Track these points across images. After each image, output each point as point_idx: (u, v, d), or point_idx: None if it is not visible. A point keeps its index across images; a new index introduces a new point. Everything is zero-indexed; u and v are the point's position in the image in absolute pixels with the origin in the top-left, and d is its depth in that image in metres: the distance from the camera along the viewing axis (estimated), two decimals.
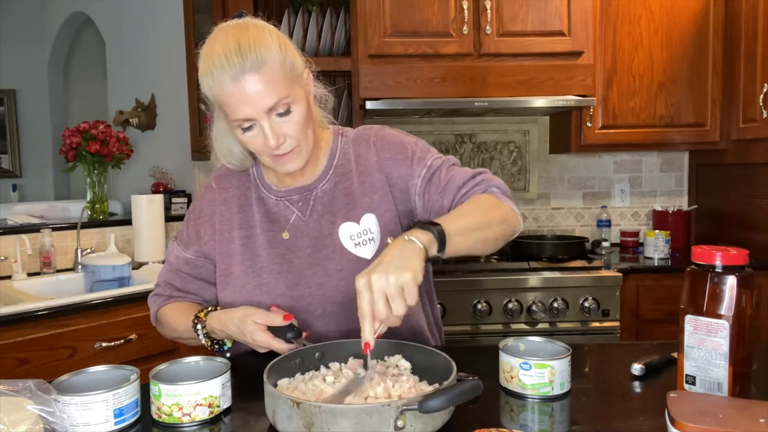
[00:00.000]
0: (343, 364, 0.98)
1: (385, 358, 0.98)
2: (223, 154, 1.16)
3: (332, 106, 1.18)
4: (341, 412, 0.75)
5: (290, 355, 0.94)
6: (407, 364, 0.96)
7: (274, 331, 1.03)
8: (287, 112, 1.00)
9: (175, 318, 1.18)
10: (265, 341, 1.02)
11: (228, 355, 1.12)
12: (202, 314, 1.11)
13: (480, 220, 1.00)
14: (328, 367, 0.97)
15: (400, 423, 0.74)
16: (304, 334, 1.04)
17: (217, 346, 1.13)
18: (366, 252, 1.13)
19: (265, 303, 1.10)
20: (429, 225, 0.92)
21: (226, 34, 0.99)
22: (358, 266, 1.08)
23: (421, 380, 0.92)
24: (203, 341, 1.12)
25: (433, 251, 0.91)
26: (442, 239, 0.91)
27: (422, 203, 1.14)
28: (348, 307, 1.10)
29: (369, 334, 0.83)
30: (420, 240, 0.88)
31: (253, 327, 1.02)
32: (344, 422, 0.74)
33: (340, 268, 1.12)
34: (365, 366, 0.91)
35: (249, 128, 1.01)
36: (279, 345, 1.02)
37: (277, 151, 1.02)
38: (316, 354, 0.98)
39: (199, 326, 1.11)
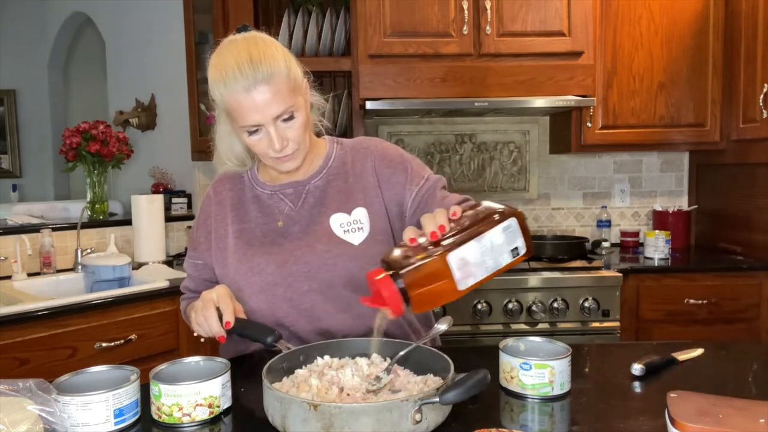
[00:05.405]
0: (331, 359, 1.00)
1: (356, 357, 1.00)
2: (226, 155, 1.24)
3: (326, 112, 1.26)
4: (361, 410, 0.75)
5: (276, 360, 0.94)
6: (383, 361, 0.97)
7: (254, 334, 1.05)
8: (291, 118, 1.09)
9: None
10: (211, 316, 1.05)
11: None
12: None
13: None
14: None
15: (418, 417, 0.77)
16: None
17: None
18: (354, 239, 1.17)
19: (258, 282, 1.17)
20: None
21: (237, 46, 1.07)
22: (344, 249, 1.15)
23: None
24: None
25: None
26: None
27: (415, 206, 1.21)
28: (332, 285, 1.15)
29: None
30: None
31: (215, 297, 1.07)
32: (365, 420, 0.75)
33: (327, 249, 1.16)
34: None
35: (255, 132, 1.09)
36: (217, 328, 1.05)
37: (279, 154, 1.10)
38: (300, 357, 0.99)
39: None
